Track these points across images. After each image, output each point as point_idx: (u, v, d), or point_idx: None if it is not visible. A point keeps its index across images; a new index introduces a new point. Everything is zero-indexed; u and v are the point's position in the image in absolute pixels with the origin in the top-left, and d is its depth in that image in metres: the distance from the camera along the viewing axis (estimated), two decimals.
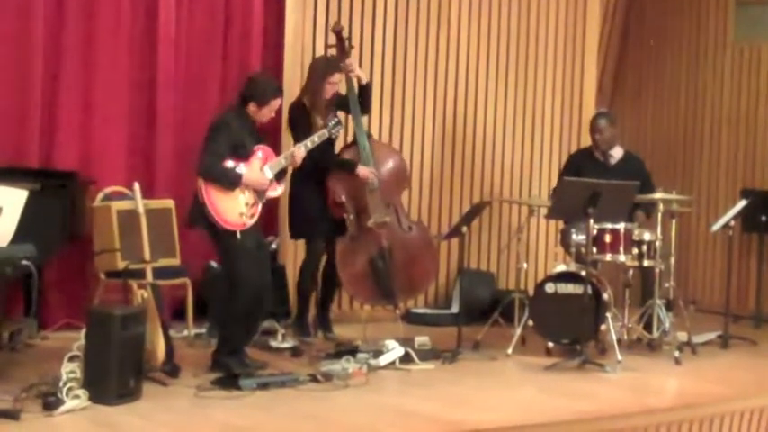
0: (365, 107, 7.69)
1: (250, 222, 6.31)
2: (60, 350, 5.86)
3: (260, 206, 6.38)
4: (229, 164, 6.23)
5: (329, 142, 7.28)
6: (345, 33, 7.77)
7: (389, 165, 7.75)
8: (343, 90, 7.58)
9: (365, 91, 7.65)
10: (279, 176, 6.55)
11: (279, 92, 6.52)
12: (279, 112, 7.86)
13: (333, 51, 7.72)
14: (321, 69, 7.48)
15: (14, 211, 5.62)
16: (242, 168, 6.26)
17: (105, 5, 7.54)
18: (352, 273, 7.49)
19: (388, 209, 7.60)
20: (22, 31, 7.23)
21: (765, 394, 6.53)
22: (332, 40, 7.76)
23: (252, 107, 6.38)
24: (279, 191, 6.63)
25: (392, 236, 7.57)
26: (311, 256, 7.58)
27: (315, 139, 6.71)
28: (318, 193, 7.47)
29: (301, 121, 7.15)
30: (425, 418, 5.63)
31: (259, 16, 8.29)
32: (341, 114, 7.58)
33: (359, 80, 7.60)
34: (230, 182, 6.23)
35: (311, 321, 7.71)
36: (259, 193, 6.37)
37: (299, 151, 6.60)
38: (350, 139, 7.89)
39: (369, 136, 7.70)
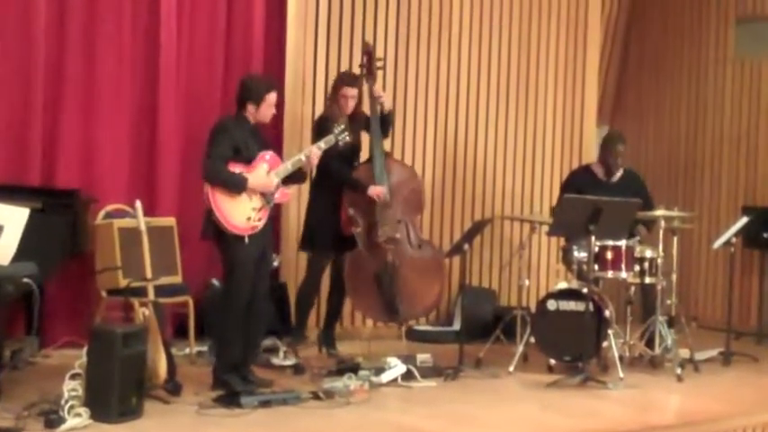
0: (384, 132, 7.75)
1: (259, 225, 6.32)
2: (62, 368, 5.86)
3: (268, 210, 6.39)
4: (235, 169, 6.26)
5: (349, 158, 7.49)
6: (378, 55, 7.93)
7: (405, 183, 7.75)
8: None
9: (386, 117, 7.73)
10: (286, 182, 6.54)
11: (272, 86, 6.53)
12: (279, 119, 7.95)
13: (361, 70, 7.80)
14: (335, 82, 7.66)
15: (16, 229, 5.63)
16: (246, 174, 6.29)
17: (106, 23, 7.56)
18: (359, 286, 7.50)
19: (398, 225, 7.61)
20: (23, 48, 7.25)
21: (767, 411, 6.51)
22: (363, 60, 7.84)
23: (250, 108, 6.39)
24: (287, 195, 6.65)
25: (400, 252, 7.57)
26: (315, 270, 7.61)
27: (321, 145, 6.67)
28: (332, 212, 7.50)
29: (322, 133, 7.12)
30: None
31: (260, 33, 8.31)
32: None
33: (382, 106, 7.67)
34: (236, 185, 6.24)
35: (314, 338, 7.76)
36: (267, 197, 6.38)
37: (312, 153, 6.57)
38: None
39: (387, 155, 7.74)
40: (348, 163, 7.56)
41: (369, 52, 7.79)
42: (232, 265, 6.29)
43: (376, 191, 7.48)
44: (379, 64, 7.83)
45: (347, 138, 6.79)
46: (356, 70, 7.87)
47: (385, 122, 7.72)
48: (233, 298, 6.28)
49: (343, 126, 6.86)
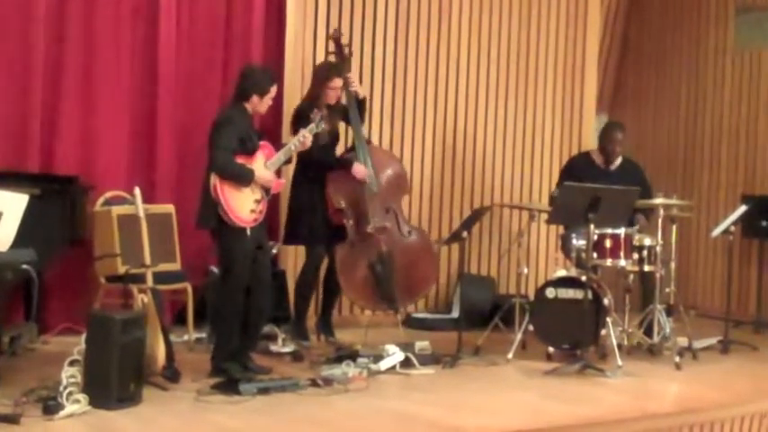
0: (361, 118, 7.74)
1: (260, 218, 6.35)
2: (61, 355, 5.87)
3: (266, 202, 6.41)
4: (239, 161, 6.27)
5: (329, 147, 7.46)
6: (345, 40, 7.83)
7: (389, 170, 7.77)
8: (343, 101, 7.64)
9: (361, 105, 7.73)
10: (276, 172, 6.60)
11: (275, 78, 6.56)
12: (279, 110, 7.93)
13: (333, 58, 7.78)
14: (322, 74, 7.56)
15: (15, 215, 5.62)
16: (250, 166, 6.31)
17: (106, 10, 7.57)
18: (353, 278, 7.49)
19: (387, 214, 7.62)
20: (22, 35, 7.25)
21: (765, 400, 6.52)
22: (331, 47, 7.84)
23: (254, 99, 6.39)
24: (281, 184, 6.67)
25: (391, 241, 7.58)
26: (312, 261, 7.59)
27: (306, 133, 6.67)
28: (319, 201, 7.49)
29: (304, 124, 7.13)
30: (426, 422, 5.62)
31: (259, 23, 8.31)
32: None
33: (356, 94, 7.67)
34: (245, 178, 6.25)
35: (312, 325, 7.74)
36: (265, 189, 6.40)
37: (305, 139, 6.59)
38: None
39: (368, 142, 7.75)
40: (328, 151, 7.55)
41: (337, 38, 7.74)
42: (232, 258, 6.30)
43: (360, 169, 7.45)
44: (346, 50, 7.79)
45: (323, 125, 6.79)
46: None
47: (361, 110, 7.71)
48: (232, 289, 6.29)
49: (321, 115, 6.88)
